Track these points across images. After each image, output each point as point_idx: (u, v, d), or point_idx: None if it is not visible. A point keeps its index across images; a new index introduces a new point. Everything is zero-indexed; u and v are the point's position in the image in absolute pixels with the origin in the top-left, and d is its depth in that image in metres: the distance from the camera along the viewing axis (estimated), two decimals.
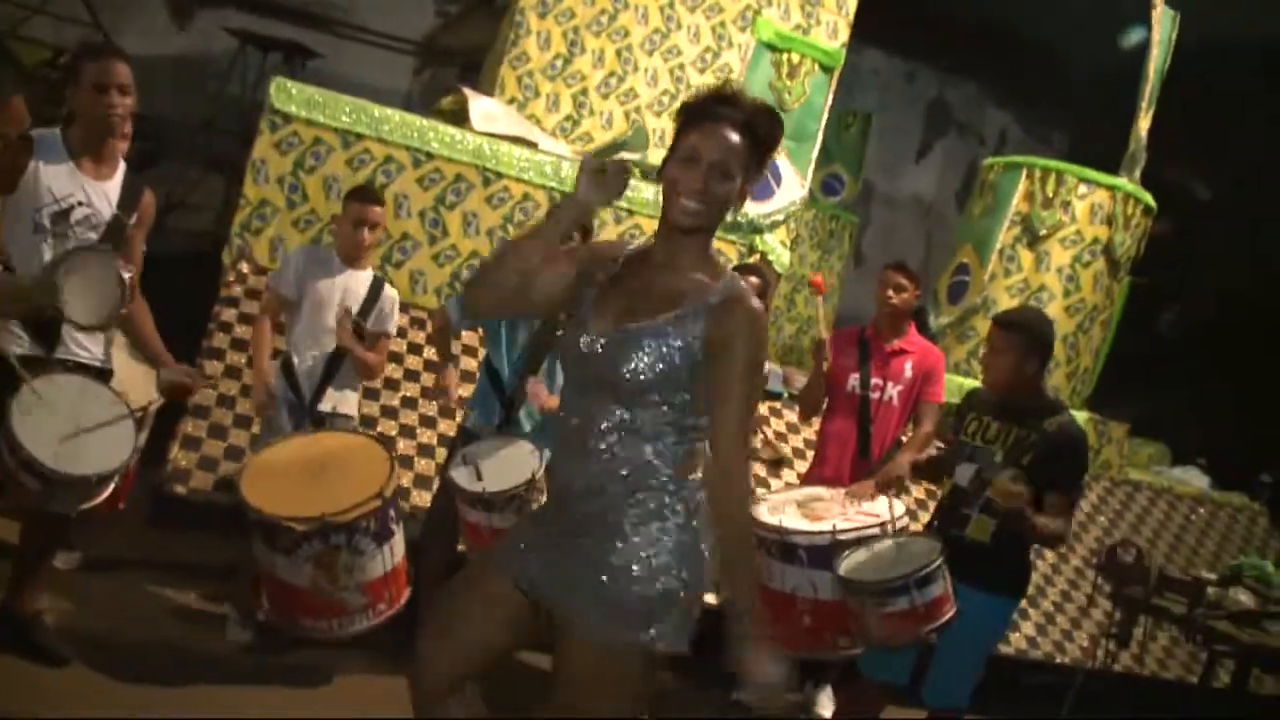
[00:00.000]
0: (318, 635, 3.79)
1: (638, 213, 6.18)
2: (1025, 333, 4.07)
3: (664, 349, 2.40)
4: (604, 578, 2.40)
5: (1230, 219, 10.52)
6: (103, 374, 3.76)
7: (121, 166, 3.80)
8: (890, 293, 5.06)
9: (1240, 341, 10.48)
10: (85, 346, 3.72)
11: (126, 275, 3.47)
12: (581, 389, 2.49)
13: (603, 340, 2.43)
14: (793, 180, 6.50)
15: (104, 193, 3.71)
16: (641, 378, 2.39)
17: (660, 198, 2.49)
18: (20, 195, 3.53)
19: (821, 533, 4.19)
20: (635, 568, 2.40)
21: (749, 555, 2.58)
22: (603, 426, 2.43)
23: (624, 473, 2.43)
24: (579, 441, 2.46)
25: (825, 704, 5.18)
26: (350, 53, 10.01)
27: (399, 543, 3.81)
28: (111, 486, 3.61)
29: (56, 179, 3.61)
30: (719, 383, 2.41)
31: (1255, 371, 10.18)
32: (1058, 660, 6.02)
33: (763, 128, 2.45)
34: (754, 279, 4.82)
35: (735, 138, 2.42)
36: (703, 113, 2.43)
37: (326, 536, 3.60)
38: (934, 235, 12.29)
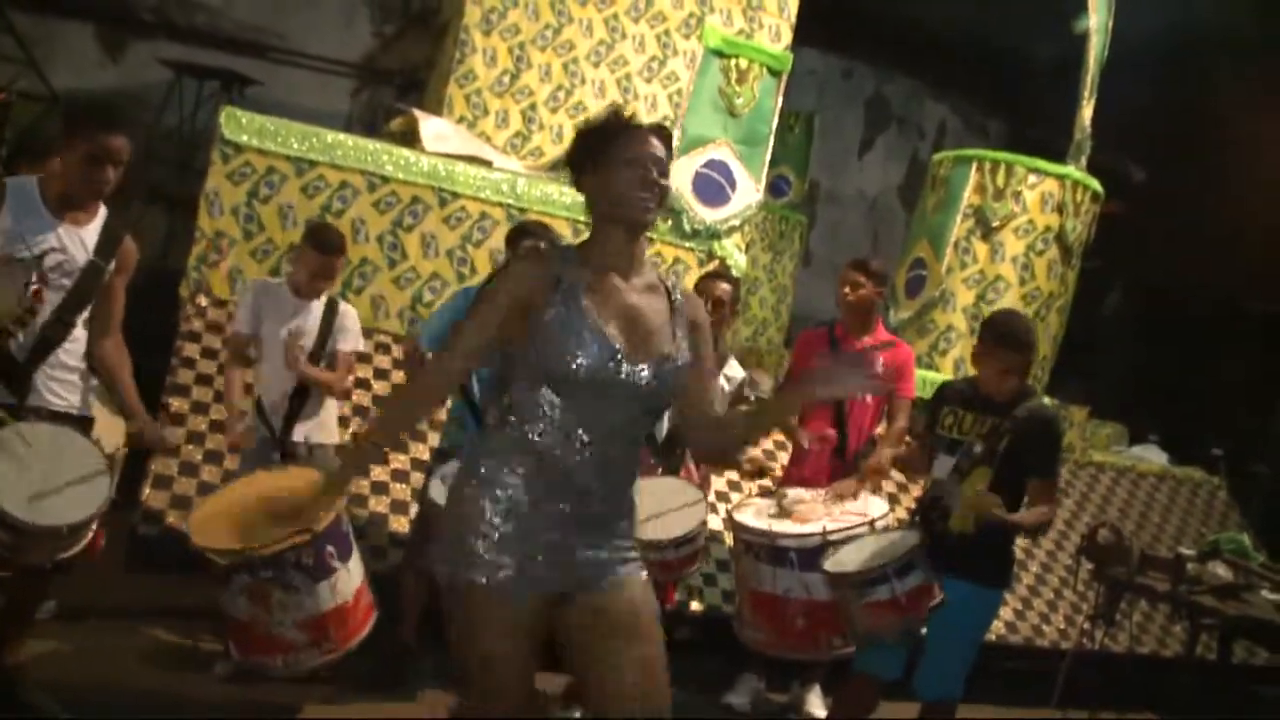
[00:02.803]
0: (270, 672, 3.74)
1: None
2: (1024, 350, 4.12)
3: (682, 367, 2.66)
4: (618, 541, 2.66)
5: (1167, 199, 10.74)
6: (82, 422, 3.68)
7: (102, 212, 3.69)
8: (846, 290, 5.09)
9: (1182, 318, 10.71)
10: (60, 395, 3.64)
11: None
12: (597, 405, 2.56)
13: (644, 369, 2.57)
14: (747, 185, 6.53)
15: (80, 239, 3.62)
16: (671, 398, 2.68)
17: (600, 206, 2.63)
18: None
19: (812, 534, 4.21)
20: (629, 524, 2.72)
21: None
22: (623, 438, 2.62)
23: (630, 470, 2.69)
24: (595, 453, 2.56)
25: (816, 703, 5.21)
26: (287, 78, 9.90)
27: (346, 581, 3.73)
28: (88, 535, 3.54)
29: (30, 226, 3.53)
30: (702, 355, 2.75)
31: (1198, 346, 10.41)
32: (1037, 643, 6.12)
33: (667, 135, 2.70)
34: (725, 285, 4.85)
35: (657, 142, 2.65)
36: (621, 126, 2.65)
37: (254, 570, 3.56)
38: (880, 230, 12.42)
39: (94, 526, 3.57)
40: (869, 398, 5.12)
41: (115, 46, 9.58)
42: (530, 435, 2.55)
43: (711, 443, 2.86)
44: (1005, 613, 6.11)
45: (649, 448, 4.71)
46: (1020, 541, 6.13)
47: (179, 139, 9.20)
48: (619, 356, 2.53)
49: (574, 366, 2.50)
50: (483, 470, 2.59)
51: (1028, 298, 7.09)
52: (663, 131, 2.69)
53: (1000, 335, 4.13)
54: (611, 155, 2.60)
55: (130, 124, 3.72)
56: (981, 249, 7.14)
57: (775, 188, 9.95)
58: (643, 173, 2.58)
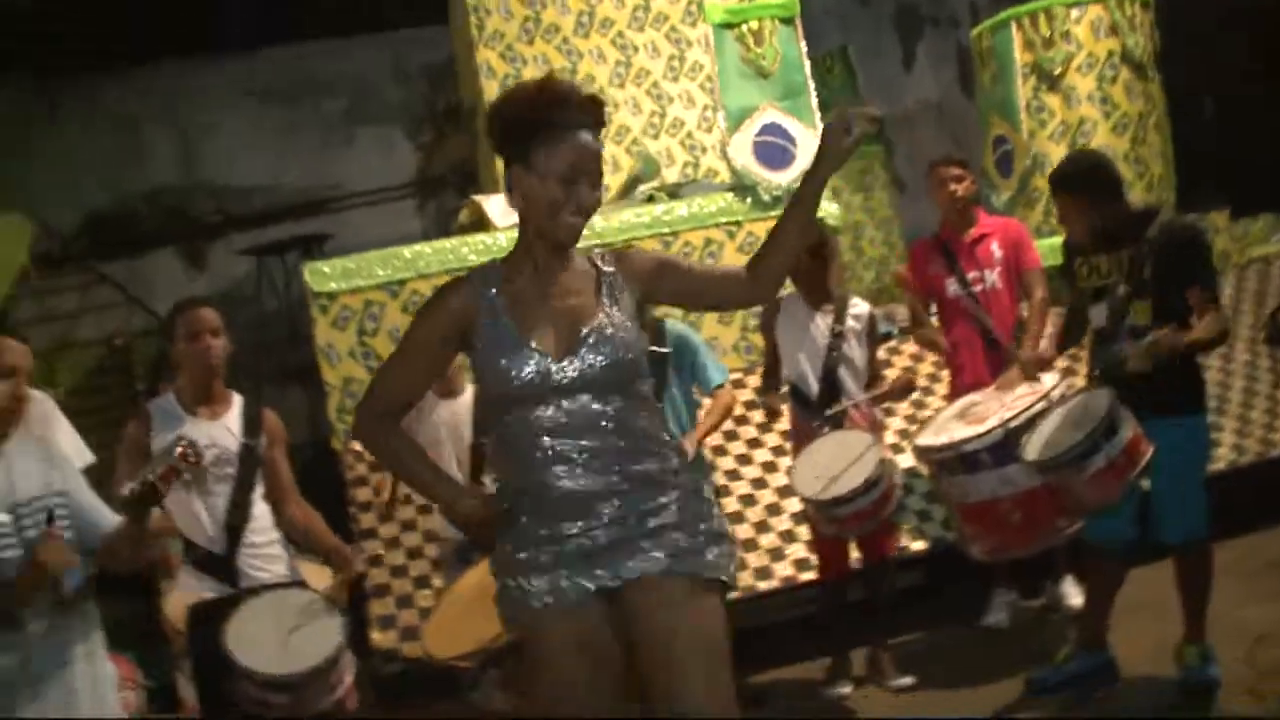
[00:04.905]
0: None
1: (682, 231, 6.26)
2: (1088, 189, 4.06)
3: (622, 333, 2.51)
4: (666, 535, 2.49)
5: None
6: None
7: (237, 400, 3.96)
8: (953, 186, 5.04)
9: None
10: (265, 569, 3.86)
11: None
12: (553, 414, 2.48)
13: (568, 365, 2.47)
14: (806, 137, 6.47)
15: (225, 427, 3.88)
16: (619, 369, 2.49)
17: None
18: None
19: (992, 430, 4.14)
20: (677, 516, 2.50)
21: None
22: (598, 429, 2.48)
23: (632, 452, 2.50)
24: (577, 456, 2.47)
25: (1072, 593, 5.10)
26: (356, 221, 10.25)
27: None
28: (349, 676, 3.72)
29: (176, 433, 3.78)
30: (687, 272, 2.68)
31: None
32: (1270, 455, 5.86)
33: (600, 113, 2.52)
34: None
35: (595, 141, 2.49)
36: (563, 124, 2.44)
37: (499, 661, 3.62)
38: (956, 130, 12.13)
39: (352, 668, 3.75)
40: (999, 283, 5.03)
41: (196, 257, 10.10)
42: (514, 463, 2.54)
43: (773, 276, 2.59)
44: (1226, 438, 5.87)
45: (802, 406, 4.71)
46: (1211, 363, 5.90)
47: (283, 315, 9.58)
48: (546, 364, 2.46)
49: (510, 384, 2.47)
50: (505, 507, 2.57)
51: (1118, 128, 6.83)
52: (594, 108, 2.51)
53: (1058, 183, 4.13)
54: (541, 160, 2.44)
55: (231, 321, 3.94)
56: (1054, 101, 6.91)
57: None
58: (565, 192, 2.44)
